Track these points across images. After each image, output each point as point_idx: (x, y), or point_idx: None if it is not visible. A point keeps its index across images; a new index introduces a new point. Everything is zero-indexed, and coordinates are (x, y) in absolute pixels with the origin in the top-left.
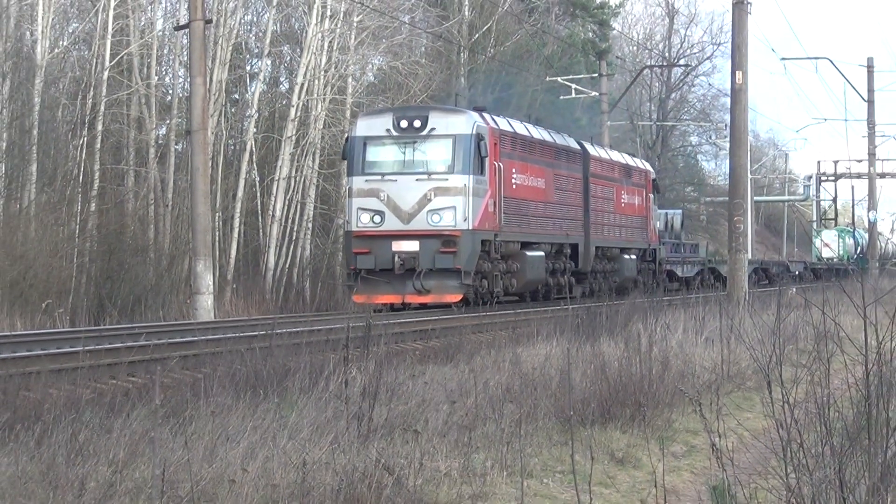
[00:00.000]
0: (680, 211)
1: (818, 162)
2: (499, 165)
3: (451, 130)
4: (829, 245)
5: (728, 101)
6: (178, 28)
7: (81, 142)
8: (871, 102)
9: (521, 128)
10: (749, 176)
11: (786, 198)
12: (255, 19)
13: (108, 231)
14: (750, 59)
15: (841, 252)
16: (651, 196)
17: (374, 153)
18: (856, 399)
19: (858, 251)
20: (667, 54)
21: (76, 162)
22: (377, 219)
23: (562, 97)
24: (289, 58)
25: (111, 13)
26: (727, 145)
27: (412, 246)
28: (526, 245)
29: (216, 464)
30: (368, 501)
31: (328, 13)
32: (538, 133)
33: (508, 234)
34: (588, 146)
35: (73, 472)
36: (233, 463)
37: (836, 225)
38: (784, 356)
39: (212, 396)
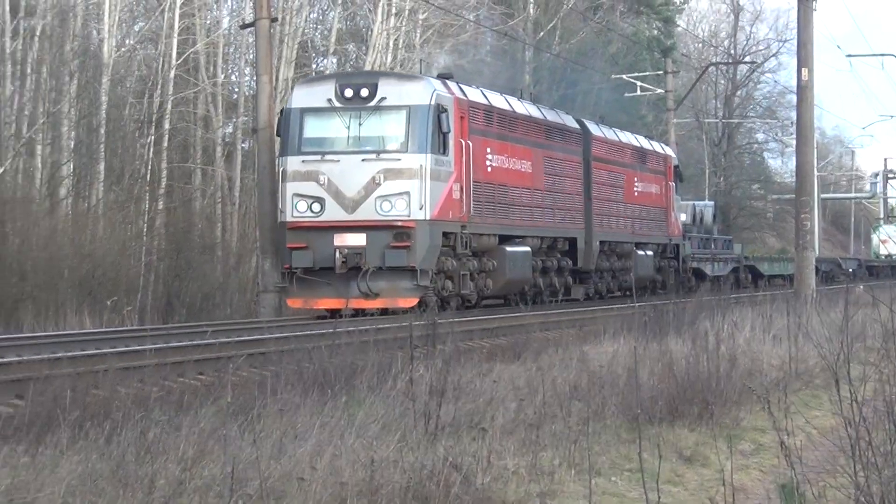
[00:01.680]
0: (711, 202)
1: (885, 159)
2: (467, 144)
3: (404, 101)
4: (888, 241)
5: (794, 98)
6: (244, 26)
7: (148, 140)
8: None
9: (499, 100)
10: (815, 173)
11: (852, 195)
12: (320, 17)
13: (175, 229)
14: (815, 56)
15: None
16: (672, 184)
17: (312, 128)
18: None
19: None
20: (732, 51)
21: (143, 160)
22: (316, 207)
23: (627, 94)
24: (354, 56)
25: (177, 12)
26: (793, 142)
27: (357, 240)
28: (506, 239)
29: (284, 461)
30: (436, 499)
31: (393, 11)
32: (523, 107)
33: (481, 225)
34: (590, 125)
35: (143, 469)
36: (301, 461)
37: None
38: (852, 354)
39: (279, 394)
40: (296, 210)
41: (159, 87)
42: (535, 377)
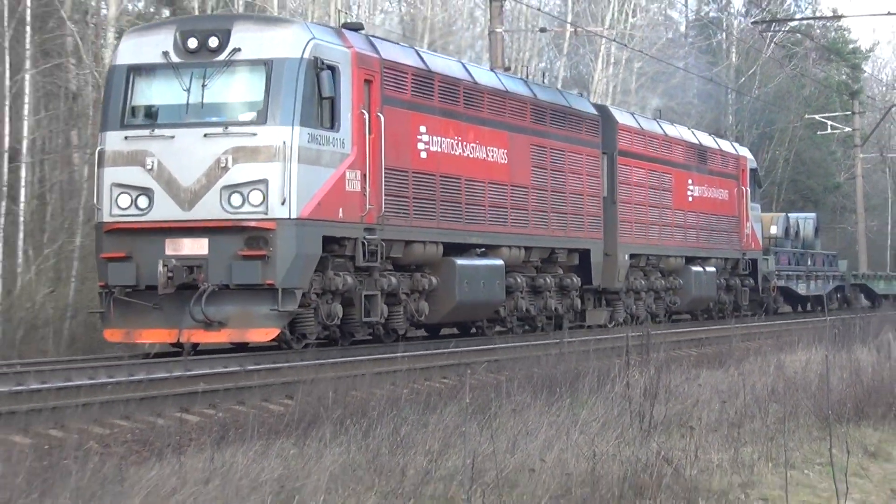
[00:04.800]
0: (813, 215)
1: None
2: (376, 117)
3: (265, 52)
4: None
5: None
6: None
7: None
8: None
9: (447, 65)
10: None
11: None
12: (548, 66)
13: None
14: None
15: None
16: (746, 190)
17: (141, 93)
18: None
19: None
20: None
21: None
22: (142, 202)
23: (819, 133)
24: None
25: None
26: None
27: (197, 247)
28: (461, 249)
29: (517, 455)
30: (650, 488)
31: (611, 60)
32: (494, 79)
33: (407, 229)
34: (617, 113)
35: (395, 460)
36: (532, 454)
37: None
38: None
39: (512, 396)
40: (116, 206)
41: None
42: (736, 382)
